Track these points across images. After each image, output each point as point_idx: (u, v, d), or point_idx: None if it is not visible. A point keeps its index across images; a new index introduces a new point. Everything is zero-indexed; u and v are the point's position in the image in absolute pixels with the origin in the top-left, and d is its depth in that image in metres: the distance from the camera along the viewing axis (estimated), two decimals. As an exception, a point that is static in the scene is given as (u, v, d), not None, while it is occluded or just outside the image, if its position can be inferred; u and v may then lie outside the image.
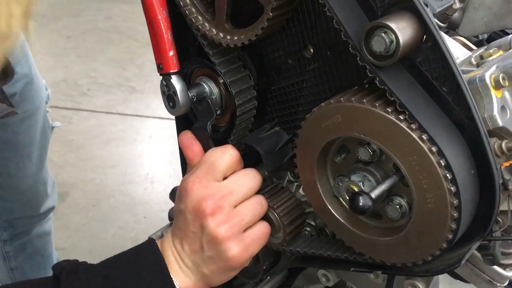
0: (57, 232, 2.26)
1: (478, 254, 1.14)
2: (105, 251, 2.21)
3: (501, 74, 0.63)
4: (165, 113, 3.09)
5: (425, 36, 0.56)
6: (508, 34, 0.91)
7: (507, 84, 0.63)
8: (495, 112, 0.62)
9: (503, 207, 0.97)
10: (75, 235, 2.29)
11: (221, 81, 0.79)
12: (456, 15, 1.03)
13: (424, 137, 0.55)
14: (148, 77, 3.45)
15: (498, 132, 0.63)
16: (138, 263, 0.71)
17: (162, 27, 0.77)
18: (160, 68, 0.79)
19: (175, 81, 0.78)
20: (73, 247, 2.22)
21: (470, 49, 0.90)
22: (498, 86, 0.63)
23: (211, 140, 0.81)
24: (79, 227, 2.36)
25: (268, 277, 0.98)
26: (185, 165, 1.01)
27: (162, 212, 2.39)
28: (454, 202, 0.55)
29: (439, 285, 1.82)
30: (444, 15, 1.02)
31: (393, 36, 0.54)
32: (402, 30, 0.54)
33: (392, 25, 0.53)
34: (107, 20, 4.06)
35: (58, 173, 2.62)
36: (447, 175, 0.55)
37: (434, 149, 0.55)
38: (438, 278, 1.62)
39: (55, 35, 3.84)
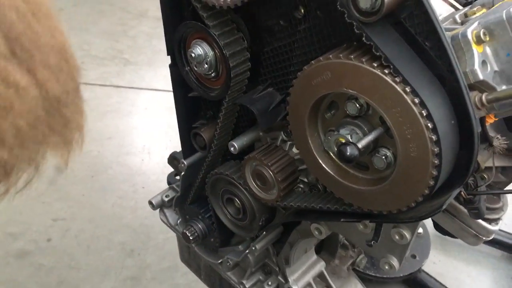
0: (57, 203, 2.31)
1: (465, 210, 1.20)
2: (105, 220, 2.27)
3: (482, 30, 0.66)
4: (159, 84, 3.09)
5: (409, -7, 0.59)
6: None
7: (487, 39, 0.67)
8: (476, 66, 0.66)
9: (489, 163, 1.01)
10: (75, 205, 2.33)
11: (216, 43, 0.82)
12: (444, -23, 1.06)
13: (407, 89, 0.58)
14: (142, 49, 3.44)
15: (479, 86, 0.67)
16: None
17: None
18: None
19: None
20: (74, 217, 2.26)
21: (456, 9, 0.93)
22: (479, 41, 0.66)
23: None
24: (78, 197, 2.40)
25: (264, 233, 1.03)
26: (184, 133, 1.04)
27: (159, 182, 2.43)
28: (435, 150, 0.59)
29: (430, 248, 1.88)
30: (432, -22, 1.05)
31: (378, -7, 0.56)
32: (386, -13, 0.56)
33: (377, -18, 0.56)
34: (99, -8, 4.02)
35: (56, 146, 2.64)
36: (429, 124, 0.58)
37: (416, 100, 0.58)
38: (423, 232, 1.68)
39: (46, 8, 3.81)
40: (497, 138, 0.94)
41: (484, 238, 1.26)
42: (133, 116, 2.93)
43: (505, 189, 1.19)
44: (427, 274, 1.89)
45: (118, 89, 3.10)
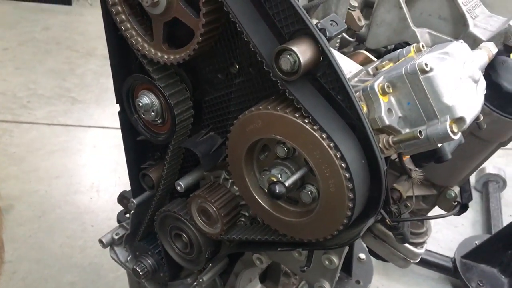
0: (2, 245, 2.26)
1: (392, 235, 1.32)
2: (54, 261, 2.25)
3: (386, 83, 0.79)
4: (108, 122, 3.13)
5: (322, 56, 0.71)
6: (409, 45, 1.08)
7: (391, 91, 0.79)
8: (383, 113, 0.78)
9: (410, 193, 1.15)
10: (22, 247, 2.29)
11: (161, 94, 0.91)
12: (363, 30, 1.21)
13: (324, 135, 0.70)
14: (89, 87, 3.46)
15: (387, 129, 0.79)
16: None
17: None
18: None
19: None
20: (20, 259, 2.23)
21: (371, 61, 1.07)
22: (384, 92, 0.79)
23: None
24: (25, 239, 2.36)
25: (211, 265, 1.10)
26: (133, 173, 1.11)
27: (109, 220, 2.44)
28: (349, 185, 0.70)
29: (373, 273, 2.00)
30: (352, 31, 1.20)
31: (296, 57, 0.68)
32: (303, 52, 0.68)
33: (295, 48, 0.67)
34: (45, 31, 4.02)
35: (1, 187, 2.60)
36: (342, 164, 0.69)
37: (331, 145, 0.69)
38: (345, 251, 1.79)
39: (-10, 47, 3.78)
40: (415, 170, 1.07)
41: (411, 261, 1.38)
42: (81, 154, 2.94)
43: (427, 215, 1.33)
44: (371, 298, 1.99)
45: (66, 127, 3.11)
